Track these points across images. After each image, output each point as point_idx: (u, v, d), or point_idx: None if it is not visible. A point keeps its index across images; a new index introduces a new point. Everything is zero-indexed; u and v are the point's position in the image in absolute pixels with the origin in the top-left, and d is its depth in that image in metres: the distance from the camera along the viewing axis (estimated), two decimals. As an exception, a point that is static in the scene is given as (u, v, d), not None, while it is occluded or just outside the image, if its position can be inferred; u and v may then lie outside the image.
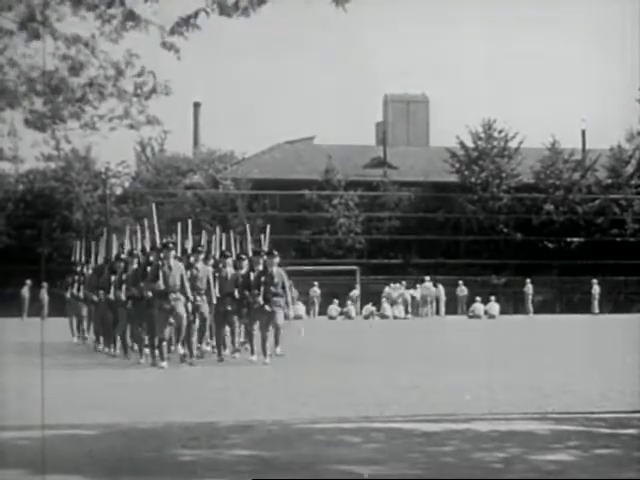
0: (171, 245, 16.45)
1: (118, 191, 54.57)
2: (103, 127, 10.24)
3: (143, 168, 55.66)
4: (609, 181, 53.06)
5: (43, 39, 9.39)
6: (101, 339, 19.32)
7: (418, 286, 44.76)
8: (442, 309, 45.10)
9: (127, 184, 55.12)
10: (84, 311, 21.11)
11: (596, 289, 45.87)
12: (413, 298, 44.08)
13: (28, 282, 42.91)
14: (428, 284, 45.06)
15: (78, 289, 21.49)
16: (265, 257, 16.77)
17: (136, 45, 9.93)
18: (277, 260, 16.62)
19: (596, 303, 45.91)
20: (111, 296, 17.79)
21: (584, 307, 46.10)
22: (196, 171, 55.51)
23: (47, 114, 10.04)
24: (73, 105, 9.83)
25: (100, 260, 20.82)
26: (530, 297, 46.47)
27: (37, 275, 42.75)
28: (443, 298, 45.19)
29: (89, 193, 52.05)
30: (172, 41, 9.26)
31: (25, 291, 43.16)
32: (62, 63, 9.71)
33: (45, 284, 41.75)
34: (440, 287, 45.12)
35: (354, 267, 47.96)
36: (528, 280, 46.45)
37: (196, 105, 60.29)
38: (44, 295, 41.53)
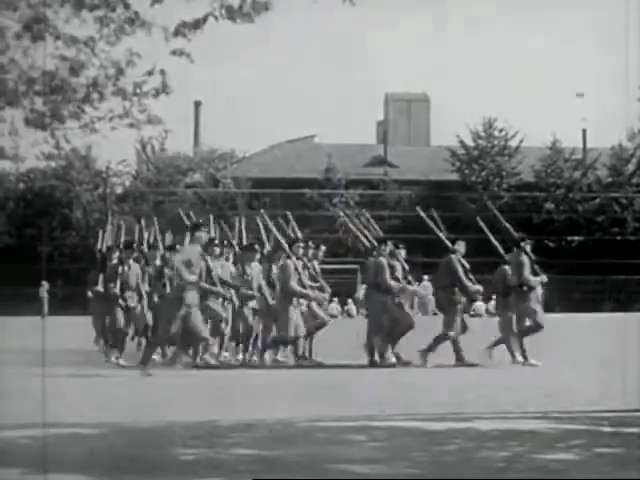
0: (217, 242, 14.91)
1: (118, 190, 54.75)
2: (103, 126, 10.22)
3: (144, 167, 55.77)
4: (610, 180, 53.10)
5: (45, 39, 9.39)
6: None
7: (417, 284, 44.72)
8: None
9: (127, 183, 55.27)
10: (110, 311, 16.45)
11: None
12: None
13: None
14: (427, 283, 44.98)
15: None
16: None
17: (137, 44, 9.92)
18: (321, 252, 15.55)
19: None
20: (148, 289, 15.29)
21: (584, 306, 46.09)
22: (196, 170, 55.59)
23: (47, 113, 10.03)
24: (75, 106, 9.82)
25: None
26: (531, 295, 46.50)
27: (38, 274, 42.81)
28: (445, 297, 45.15)
29: (89, 192, 52.15)
30: (181, 47, 9.24)
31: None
32: (63, 63, 9.70)
33: (45, 282, 41.81)
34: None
35: (355, 266, 47.94)
36: (529, 279, 46.47)
37: (197, 104, 60.37)
38: (44, 293, 41.56)
